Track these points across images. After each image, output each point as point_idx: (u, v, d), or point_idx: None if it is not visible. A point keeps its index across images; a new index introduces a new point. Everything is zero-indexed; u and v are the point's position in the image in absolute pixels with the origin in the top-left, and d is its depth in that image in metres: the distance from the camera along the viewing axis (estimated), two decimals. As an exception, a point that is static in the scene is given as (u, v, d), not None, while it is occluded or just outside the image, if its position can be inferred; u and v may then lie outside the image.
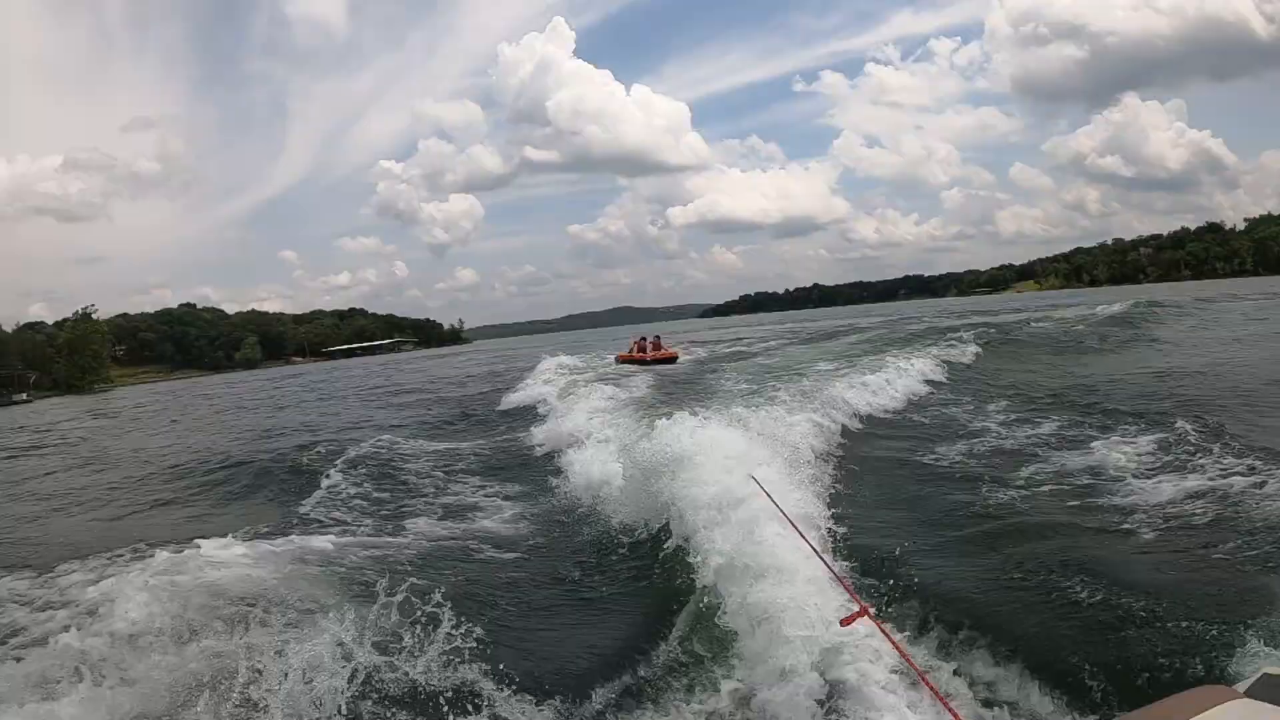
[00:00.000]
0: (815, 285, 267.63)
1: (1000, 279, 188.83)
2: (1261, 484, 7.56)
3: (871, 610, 3.21)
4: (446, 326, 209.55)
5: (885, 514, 8.52)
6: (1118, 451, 9.72)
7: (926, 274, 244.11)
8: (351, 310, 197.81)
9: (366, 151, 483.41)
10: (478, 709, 5.01)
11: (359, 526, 9.48)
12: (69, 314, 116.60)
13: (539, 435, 15.18)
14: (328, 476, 12.44)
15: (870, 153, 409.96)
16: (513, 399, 22.79)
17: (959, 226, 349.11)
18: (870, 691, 4.45)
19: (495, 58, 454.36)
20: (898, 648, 2.93)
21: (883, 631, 3.16)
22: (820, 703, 4.52)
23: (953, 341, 25.37)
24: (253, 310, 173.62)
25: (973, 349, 23.62)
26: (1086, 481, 8.73)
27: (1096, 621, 5.41)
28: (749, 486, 6.93)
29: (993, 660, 5.22)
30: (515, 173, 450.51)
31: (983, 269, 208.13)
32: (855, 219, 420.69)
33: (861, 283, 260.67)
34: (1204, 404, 12.38)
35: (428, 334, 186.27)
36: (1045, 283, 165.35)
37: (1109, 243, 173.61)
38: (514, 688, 5.23)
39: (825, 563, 3.95)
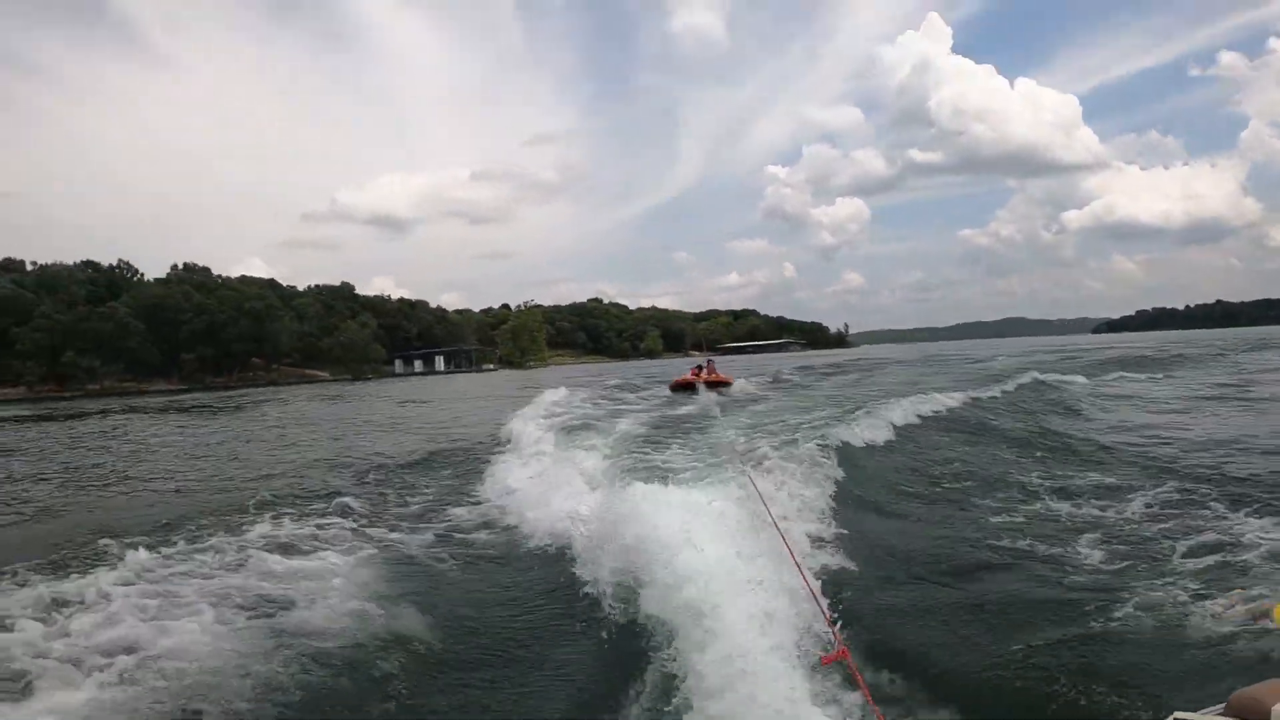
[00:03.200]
0: (1218, 301, 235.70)
1: None
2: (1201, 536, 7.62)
3: (850, 653, 3.17)
4: (833, 330, 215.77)
5: (880, 554, 7.88)
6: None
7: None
8: (745, 310, 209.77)
9: (753, 157, 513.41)
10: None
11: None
12: (482, 305, 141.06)
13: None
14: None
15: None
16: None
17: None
18: None
19: (873, 60, 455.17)
20: (869, 698, 2.87)
21: (859, 679, 3.06)
22: None
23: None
24: (653, 307, 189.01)
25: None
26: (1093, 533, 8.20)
27: (1055, 670, 5.30)
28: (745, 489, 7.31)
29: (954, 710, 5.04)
30: (901, 175, 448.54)
31: None
32: (1272, 223, 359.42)
33: (1270, 300, 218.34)
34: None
35: (814, 336, 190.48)
36: None
37: None
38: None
39: (814, 594, 3.79)
